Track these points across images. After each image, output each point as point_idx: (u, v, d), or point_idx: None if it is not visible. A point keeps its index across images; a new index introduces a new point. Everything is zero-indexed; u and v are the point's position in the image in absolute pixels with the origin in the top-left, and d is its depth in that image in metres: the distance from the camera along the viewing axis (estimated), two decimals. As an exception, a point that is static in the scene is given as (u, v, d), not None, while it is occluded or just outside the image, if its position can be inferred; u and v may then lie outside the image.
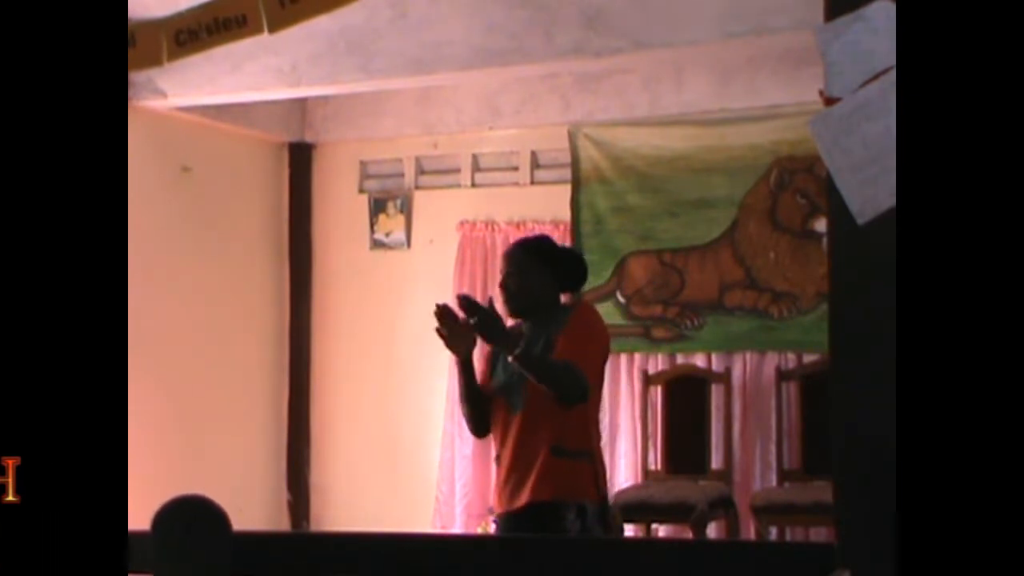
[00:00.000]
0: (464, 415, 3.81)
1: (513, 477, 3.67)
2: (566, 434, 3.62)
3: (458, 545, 3.43)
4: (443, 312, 3.66)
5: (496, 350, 3.75)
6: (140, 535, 2.59)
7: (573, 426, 3.63)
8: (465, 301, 3.62)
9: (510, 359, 3.58)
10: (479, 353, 3.78)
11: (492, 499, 3.91)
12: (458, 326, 3.64)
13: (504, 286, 3.76)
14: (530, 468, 3.62)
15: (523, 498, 3.62)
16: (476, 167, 7.00)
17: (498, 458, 3.78)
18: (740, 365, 6.26)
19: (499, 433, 3.77)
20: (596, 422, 3.79)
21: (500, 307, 3.72)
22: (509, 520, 3.67)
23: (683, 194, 6.36)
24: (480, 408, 3.76)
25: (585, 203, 6.55)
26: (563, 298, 3.84)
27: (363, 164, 7.27)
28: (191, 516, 2.74)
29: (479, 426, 3.81)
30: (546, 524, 3.56)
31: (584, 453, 3.65)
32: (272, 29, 4.10)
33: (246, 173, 7.16)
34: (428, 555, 3.01)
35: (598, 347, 3.72)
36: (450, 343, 3.67)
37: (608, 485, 3.80)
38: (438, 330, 3.66)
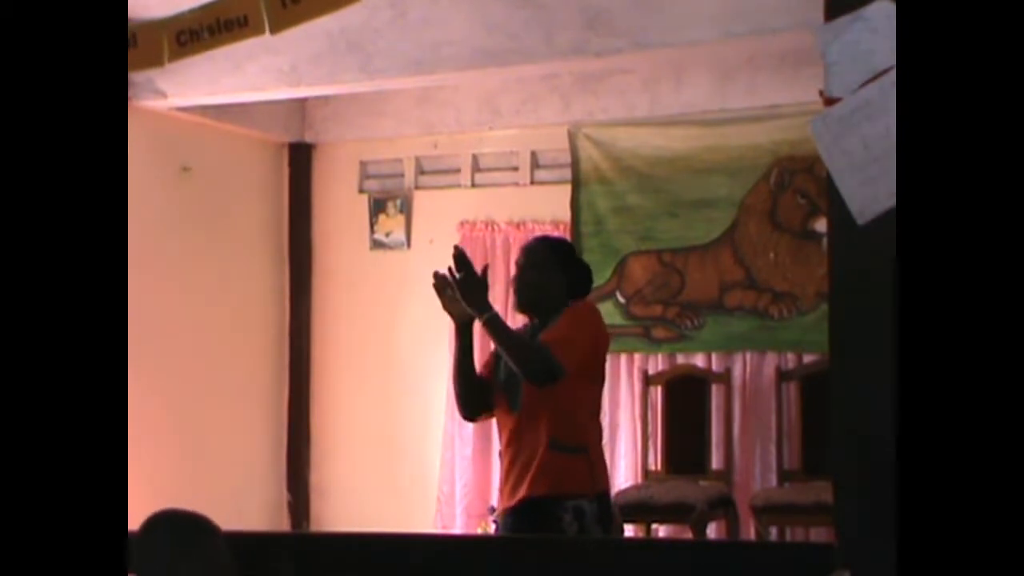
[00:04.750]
0: (454, 392, 3.81)
1: (513, 473, 3.68)
2: (563, 428, 3.62)
3: (458, 545, 3.44)
4: (441, 281, 3.70)
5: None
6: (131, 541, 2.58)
7: (569, 421, 3.64)
8: (458, 253, 3.62)
9: (479, 322, 3.61)
10: (480, 344, 3.79)
11: (497, 498, 3.92)
12: (476, 281, 3.65)
13: (519, 278, 3.76)
14: (529, 463, 3.63)
15: (521, 493, 3.63)
16: (476, 167, 7.00)
17: (501, 455, 3.80)
18: (740, 365, 6.26)
19: (501, 431, 3.79)
20: (596, 417, 3.78)
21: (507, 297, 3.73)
22: (507, 516, 3.68)
23: (683, 194, 6.36)
24: (471, 387, 3.77)
25: (585, 203, 6.55)
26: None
27: (363, 164, 7.27)
28: (180, 532, 2.67)
29: (468, 407, 3.82)
30: (542, 520, 3.56)
31: (581, 448, 3.65)
32: (274, 30, 4.09)
33: (246, 173, 7.15)
34: (428, 555, 3.01)
35: (583, 335, 3.69)
36: (448, 305, 3.72)
37: (609, 482, 3.80)
38: (435, 287, 3.71)
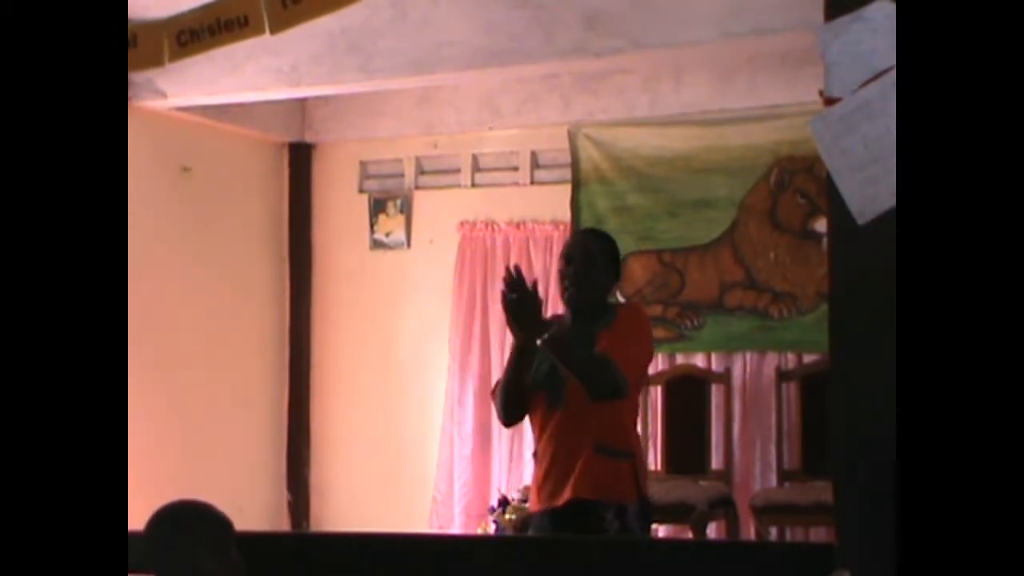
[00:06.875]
0: (499, 402, 3.66)
1: (554, 474, 3.61)
2: (609, 433, 3.57)
3: (458, 545, 3.44)
4: (517, 280, 3.44)
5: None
6: (141, 535, 2.59)
7: (616, 425, 3.59)
8: (516, 273, 3.45)
9: (538, 343, 3.46)
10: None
11: (530, 496, 3.82)
12: (529, 299, 3.43)
13: (576, 272, 3.62)
14: (572, 466, 3.57)
15: (565, 495, 3.57)
16: (476, 167, 7.00)
17: (535, 454, 3.73)
18: (740, 365, 6.25)
19: (538, 429, 3.69)
20: (636, 422, 3.74)
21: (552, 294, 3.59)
22: (549, 517, 3.62)
23: (683, 194, 6.36)
24: (520, 401, 3.64)
25: (585, 203, 6.55)
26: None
27: (363, 164, 7.27)
28: (194, 523, 2.68)
29: (511, 417, 3.71)
30: (586, 522, 3.53)
31: (626, 453, 3.60)
32: (274, 30, 4.09)
33: (246, 173, 7.15)
34: (428, 555, 3.02)
35: (642, 347, 3.67)
36: (516, 320, 3.46)
37: (647, 484, 3.73)
38: (504, 295, 3.45)
